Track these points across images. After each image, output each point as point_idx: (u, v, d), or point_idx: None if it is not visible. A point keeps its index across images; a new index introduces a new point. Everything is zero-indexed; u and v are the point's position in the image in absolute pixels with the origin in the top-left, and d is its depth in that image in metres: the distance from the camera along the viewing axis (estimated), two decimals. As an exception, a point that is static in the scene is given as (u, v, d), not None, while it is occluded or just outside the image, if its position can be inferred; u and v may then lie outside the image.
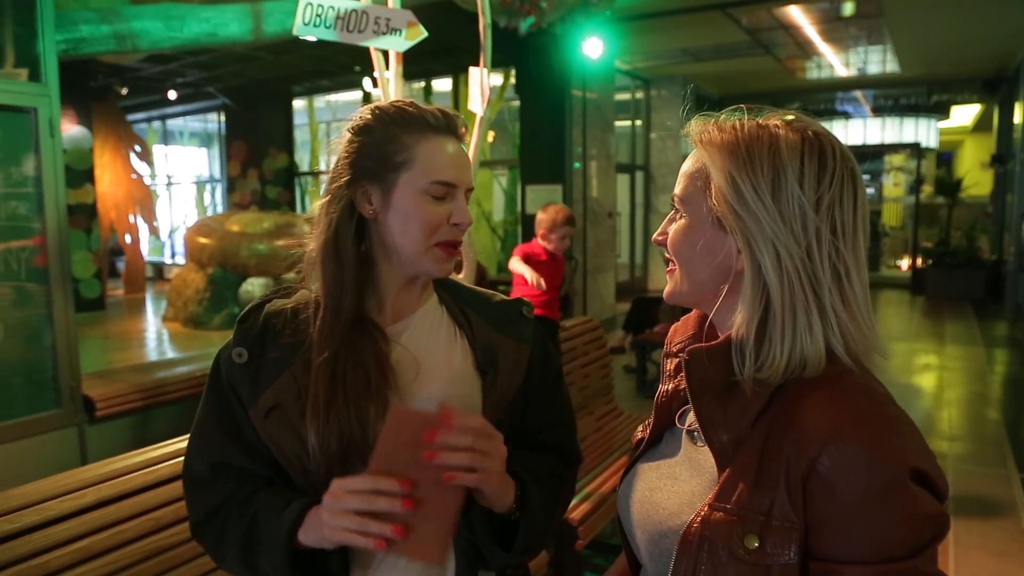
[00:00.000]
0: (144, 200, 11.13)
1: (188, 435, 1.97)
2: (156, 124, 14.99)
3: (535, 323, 1.13)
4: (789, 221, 0.75)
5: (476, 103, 2.48)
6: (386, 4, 2.37)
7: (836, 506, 0.70)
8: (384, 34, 2.32)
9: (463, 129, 1.06)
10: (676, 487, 0.85)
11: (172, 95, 11.35)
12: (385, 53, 2.44)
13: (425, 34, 2.34)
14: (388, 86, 2.43)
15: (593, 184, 8.82)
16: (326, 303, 1.01)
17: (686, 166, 0.85)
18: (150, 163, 12.58)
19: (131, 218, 10.79)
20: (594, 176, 8.84)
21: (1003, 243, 11.19)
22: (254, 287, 8.72)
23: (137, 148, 11.01)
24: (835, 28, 8.60)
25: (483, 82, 2.38)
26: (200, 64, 9.71)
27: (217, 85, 11.16)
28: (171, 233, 15.21)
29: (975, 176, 13.17)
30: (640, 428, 0.99)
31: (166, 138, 15.32)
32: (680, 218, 0.85)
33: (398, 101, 1.04)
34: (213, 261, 8.63)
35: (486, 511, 0.96)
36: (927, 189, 13.73)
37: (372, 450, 0.91)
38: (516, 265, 3.94)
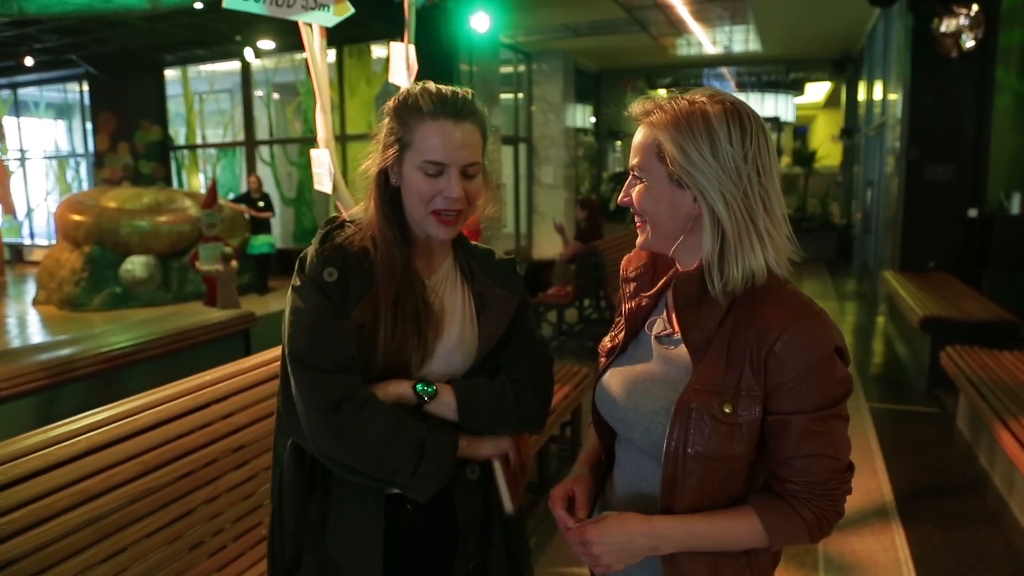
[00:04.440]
0: (-2, 176, 10.33)
1: (162, 386, 2.05)
2: (5, 93, 13.80)
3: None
4: (728, 172, 1.00)
5: (400, 77, 2.63)
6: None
7: (787, 376, 1.00)
8: (312, 9, 2.42)
9: (467, 108, 1.22)
10: (657, 379, 1.10)
11: (29, 62, 10.50)
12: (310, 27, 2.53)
13: (352, 10, 2.47)
14: (317, 60, 2.53)
15: (481, 156, 9.01)
16: (381, 254, 1.24)
17: (638, 140, 1.08)
18: (0, 136, 11.66)
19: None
20: (481, 148, 9.04)
21: (851, 209, 12.37)
22: (135, 265, 8.38)
23: (-15, 119, 10.17)
24: (704, 8, 9.16)
25: (409, 58, 2.54)
26: (61, 29, 9.06)
27: (80, 52, 10.45)
28: (29, 212, 14.12)
29: (826, 148, 14.40)
30: (607, 339, 1.25)
31: (17, 109, 14.14)
32: (639, 183, 1.08)
33: (419, 86, 1.24)
34: (90, 239, 8.21)
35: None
36: (785, 160, 14.86)
37: (412, 370, 1.26)
38: None
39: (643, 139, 1.07)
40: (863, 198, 10.49)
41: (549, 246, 11.49)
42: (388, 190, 1.25)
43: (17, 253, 13.47)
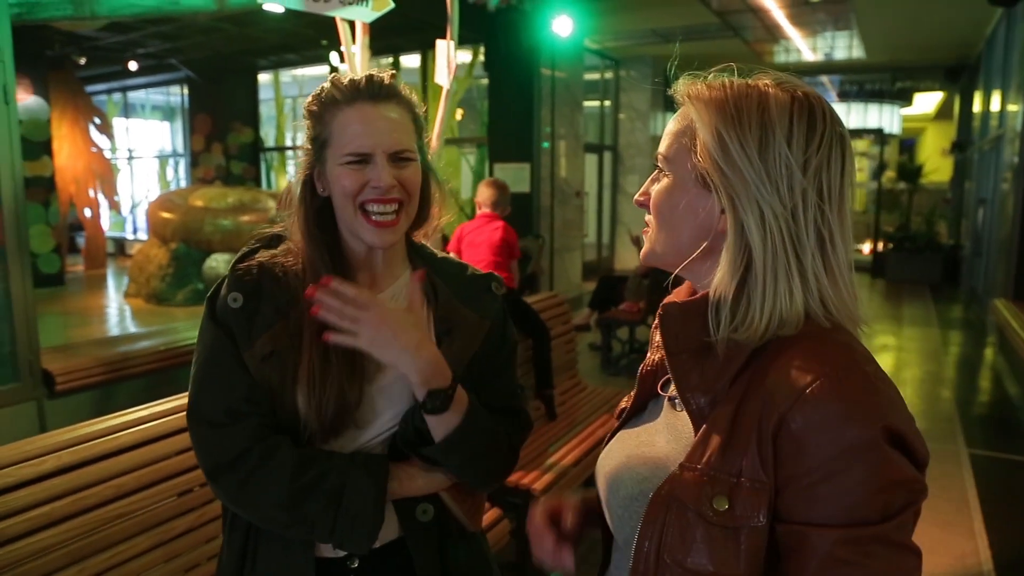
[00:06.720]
0: (104, 174, 10.86)
1: (150, 403, 1.95)
2: (116, 96, 14.59)
3: (503, 299, 1.17)
4: (775, 180, 0.73)
5: (442, 75, 2.47)
6: (352, -27, 2.33)
7: (806, 464, 0.68)
8: (350, 4, 2.29)
9: (387, 87, 1.05)
10: (652, 452, 0.83)
11: (133, 66, 11.04)
12: (352, 25, 2.41)
13: (392, 5, 2.32)
14: (355, 59, 2.40)
15: (561, 163, 8.82)
16: (309, 277, 1.05)
17: (672, 125, 0.83)
18: (110, 136, 12.25)
19: (91, 192, 10.53)
20: (562, 155, 8.85)
21: (960, 229, 11.47)
22: (218, 263, 8.58)
23: (97, 120, 10.72)
24: (803, 12, 8.66)
25: (449, 55, 2.37)
26: (162, 35, 9.45)
27: (180, 57, 10.88)
28: (133, 208, 14.88)
29: (935, 163, 13.45)
30: (625, 399, 0.99)
31: (127, 111, 14.93)
32: (664, 177, 0.82)
33: (330, 77, 1.08)
34: (176, 236, 8.48)
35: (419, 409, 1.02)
36: (889, 174, 13.98)
37: (358, 416, 1.03)
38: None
39: (678, 123, 0.82)
40: (974, 217, 9.68)
41: (631, 258, 11.16)
42: (315, 202, 1.08)
43: (120, 247, 14.17)
